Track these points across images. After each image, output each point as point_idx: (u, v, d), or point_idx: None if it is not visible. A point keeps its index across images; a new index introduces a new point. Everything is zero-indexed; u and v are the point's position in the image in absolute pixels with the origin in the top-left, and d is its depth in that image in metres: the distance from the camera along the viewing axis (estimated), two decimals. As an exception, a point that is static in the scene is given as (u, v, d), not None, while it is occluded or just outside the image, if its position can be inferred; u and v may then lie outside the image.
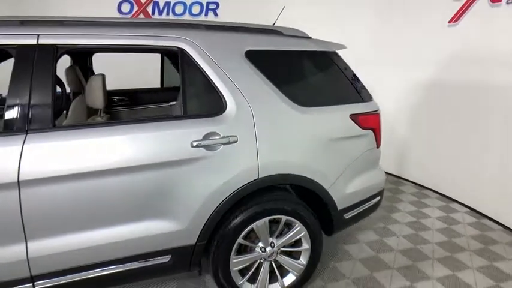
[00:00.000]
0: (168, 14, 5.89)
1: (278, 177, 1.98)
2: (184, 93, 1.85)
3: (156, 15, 5.87)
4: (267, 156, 1.92)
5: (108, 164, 1.64)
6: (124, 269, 1.79)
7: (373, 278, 2.47)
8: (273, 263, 2.16)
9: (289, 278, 2.21)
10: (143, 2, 5.79)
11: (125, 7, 5.77)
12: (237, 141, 1.85)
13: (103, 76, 2.02)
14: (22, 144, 1.52)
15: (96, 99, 1.99)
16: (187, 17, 5.92)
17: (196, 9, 5.92)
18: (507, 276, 2.53)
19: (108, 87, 2.18)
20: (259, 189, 1.95)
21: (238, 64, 1.95)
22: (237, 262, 2.03)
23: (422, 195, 4.03)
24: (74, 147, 1.60)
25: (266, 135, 1.92)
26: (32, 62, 1.60)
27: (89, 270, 1.73)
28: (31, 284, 1.65)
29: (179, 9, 5.91)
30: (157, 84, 3.59)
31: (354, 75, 2.37)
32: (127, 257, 1.78)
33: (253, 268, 2.12)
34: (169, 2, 5.87)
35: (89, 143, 1.63)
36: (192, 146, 1.77)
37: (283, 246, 2.15)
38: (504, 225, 3.29)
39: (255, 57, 2.00)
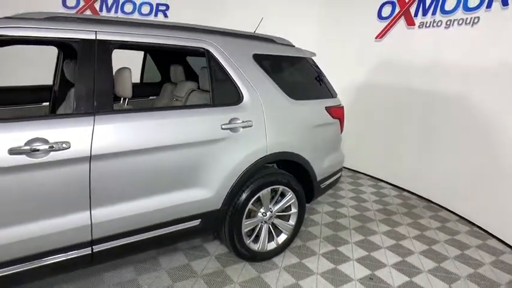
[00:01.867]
0: (116, 11, 5.90)
1: (280, 154, 2.51)
2: (212, 86, 2.27)
3: (104, 13, 5.86)
4: (272, 137, 2.44)
5: (159, 142, 1.98)
6: (163, 232, 2.13)
7: (337, 236, 3.16)
8: (269, 225, 2.68)
9: (282, 237, 2.75)
10: (90, -2, 5.72)
11: (71, 1, 5.64)
12: (252, 126, 2.34)
13: (130, 69, 2.31)
14: (93, 125, 1.79)
15: (126, 89, 2.27)
16: (136, 16, 6.02)
17: (145, 9, 6.04)
18: (427, 227, 3.46)
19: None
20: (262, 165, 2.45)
21: (249, 64, 2.44)
22: (247, 225, 2.51)
23: (357, 178, 4.93)
24: (133, 127, 1.91)
25: (272, 121, 2.45)
26: (94, 54, 1.87)
27: (138, 234, 2.03)
28: (90, 248, 1.90)
29: (128, 8, 5.96)
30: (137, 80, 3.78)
31: (324, 76, 3.03)
32: (168, 221, 2.12)
33: (256, 230, 2.61)
34: (118, 1, 5.90)
35: (144, 124, 1.95)
36: (222, 128, 2.20)
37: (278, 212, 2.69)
38: (418, 194, 4.31)
39: (259, 60, 2.51)
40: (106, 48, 1.91)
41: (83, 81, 1.82)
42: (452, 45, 3.81)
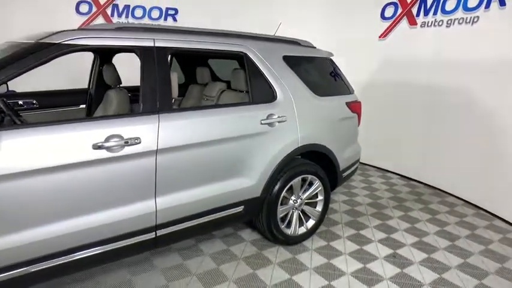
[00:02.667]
0: (127, 17, 6.10)
1: (309, 146, 2.77)
2: (251, 85, 2.52)
3: (116, 18, 6.05)
4: (303, 130, 2.70)
5: (210, 137, 2.23)
6: (214, 218, 2.38)
7: (357, 221, 3.42)
8: (299, 212, 2.94)
9: (310, 222, 3.01)
10: (102, 4, 5.91)
11: (83, 7, 5.82)
12: (285, 121, 2.60)
13: (176, 73, 2.54)
14: (158, 122, 2.02)
15: (175, 90, 2.50)
16: (146, 20, 6.23)
17: (155, 13, 6.25)
18: (437, 211, 3.75)
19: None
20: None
21: (280, 65, 2.69)
22: (281, 211, 2.76)
23: (365, 169, 5.22)
24: (189, 124, 2.15)
25: (301, 116, 2.70)
26: (154, 59, 2.10)
27: (193, 219, 2.27)
28: (154, 232, 2.13)
29: (138, 13, 6.17)
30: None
31: (342, 73, 3.29)
32: (218, 207, 2.37)
33: (288, 216, 2.87)
34: (129, 6, 6.09)
35: (197, 121, 2.19)
36: (261, 123, 2.46)
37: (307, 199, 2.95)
38: (424, 183, 4.61)
39: (288, 61, 2.77)
40: (163, 53, 2.15)
41: (147, 84, 2.06)
42: (453, 43, 4.11)
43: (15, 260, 1.69)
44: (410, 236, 3.17)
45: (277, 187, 2.66)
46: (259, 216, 2.72)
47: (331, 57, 3.25)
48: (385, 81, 4.99)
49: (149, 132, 1.99)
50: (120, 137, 1.88)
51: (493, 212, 3.74)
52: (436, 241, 3.09)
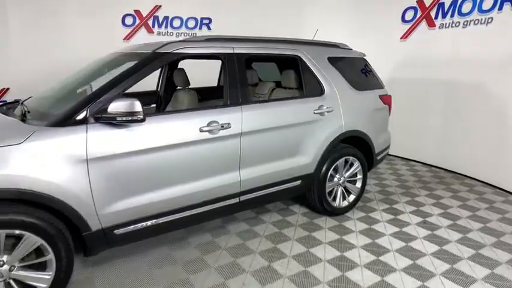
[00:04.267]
0: (166, 27, 6.76)
1: (352, 132, 3.33)
2: (304, 82, 3.11)
3: (156, 28, 6.71)
4: (346, 119, 3.27)
5: (277, 123, 2.82)
6: (280, 189, 2.96)
7: (389, 198, 3.96)
8: (342, 188, 3.50)
9: (351, 197, 3.57)
10: (144, 16, 6.58)
11: (128, 20, 6.51)
12: (332, 110, 3.17)
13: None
14: (241, 112, 2.62)
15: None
16: (183, 30, 6.88)
17: (191, 23, 6.89)
18: (458, 190, 4.26)
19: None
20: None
21: (326, 65, 3.27)
22: (328, 186, 3.33)
23: (389, 159, 5.74)
24: (262, 113, 2.74)
25: (345, 107, 3.27)
26: (234, 63, 2.70)
27: (265, 189, 2.87)
28: (238, 198, 2.73)
29: (176, 23, 6.82)
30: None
31: (374, 71, 3.85)
32: (283, 180, 2.96)
33: (333, 192, 3.43)
34: (168, 17, 6.75)
35: (268, 111, 2.79)
36: (314, 113, 3.04)
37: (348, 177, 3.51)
38: (444, 168, 5.12)
39: (332, 61, 3.34)
40: (241, 58, 2.75)
41: (232, 82, 2.66)
42: (469, 43, 4.62)
43: (153, 213, 2.31)
44: (437, 208, 3.69)
45: (325, 166, 3.23)
46: (311, 190, 3.29)
47: (364, 57, 3.81)
48: (406, 78, 5.51)
49: (236, 119, 2.59)
50: (217, 123, 2.49)
51: (508, 190, 4.23)
52: (459, 212, 3.62)
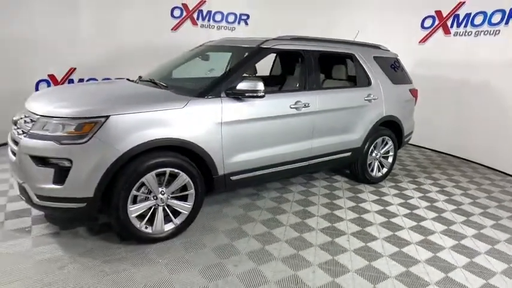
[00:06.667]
0: (209, 20, 7.50)
1: (389, 116, 4.20)
2: (357, 75, 3.95)
3: (200, 21, 7.44)
4: (386, 106, 4.13)
5: (337, 105, 3.66)
6: (335, 157, 3.81)
7: (411, 174, 4.85)
8: (378, 162, 4.36)
9: (384, 170, 4.44)
10: (190, 9, 7.31)
11: (176, 12, 7.23)
12: (377, 99, 4.03)
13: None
14: (317, 95, 3.46)
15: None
16: (223, 24, 7.63)
17: (231, 18, 7.64)
18: (466, 172, 5.17)
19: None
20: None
21: (372, 62, 4.12)
22: (369, 159, 4.19)
23: (404, 147, 6.62)
24: (327, 97, 3.58)
25: (385, 97, 4.13)
26: (311, 58, 3.53)
27: (326, 156, 3.72)
28: (307, 162, 3.57)
29: (218, 17, 7.56)
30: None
31: (405, 68, 4.71)
32: (338, 151, 3.81)
33: (372, 165, 4.30)
34: (211, 11, 7.49)
35: (331, 95, 3.63)
36: (364, 100, 3.89)
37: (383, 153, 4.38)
38: (452, 154, 6.03)
39: (376, 59, 4.19)
40: (315, 54, 3.58)
41: (310, 72, 3.49)
42: (480, 50, 5.50)
43: (257, 166, 3.14)
44: (452, 183, 4.59)
45: (368, 143, 4.09)
46: (356, 162, 4.15)
47: (397, 57, 4.66)
48: (423, 76, 6.37)
49: (313, 100, 3.42)
50: (301, 102, 3.32)
51: (508, 173, 5.16)
52: (468, 185, 4.53)
